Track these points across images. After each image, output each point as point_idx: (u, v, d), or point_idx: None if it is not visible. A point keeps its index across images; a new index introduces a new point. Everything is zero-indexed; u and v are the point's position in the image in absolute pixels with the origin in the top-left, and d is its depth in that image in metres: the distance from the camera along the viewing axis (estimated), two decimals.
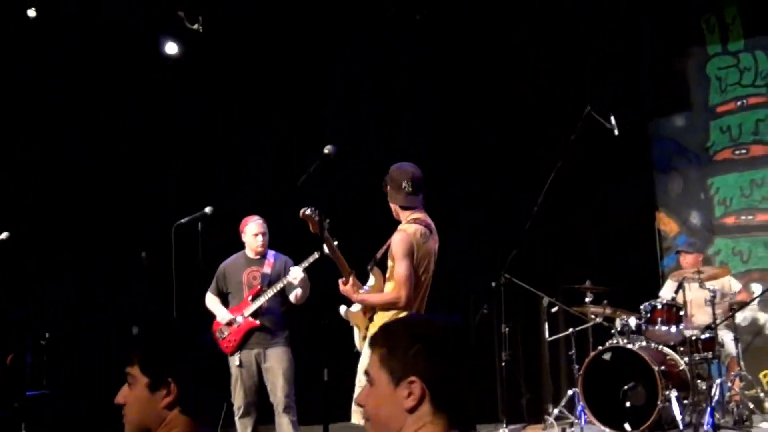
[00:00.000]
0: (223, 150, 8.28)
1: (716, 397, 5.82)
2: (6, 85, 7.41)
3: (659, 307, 6.23)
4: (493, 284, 6.49)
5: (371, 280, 4.35)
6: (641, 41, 7.68)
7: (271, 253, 5.84)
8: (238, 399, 5.66)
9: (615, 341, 6.20)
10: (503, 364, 6.62)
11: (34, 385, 6.70)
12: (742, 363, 6.24)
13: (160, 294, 6.03)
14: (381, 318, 4.18)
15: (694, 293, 6.36)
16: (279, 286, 5.62)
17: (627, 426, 5.83)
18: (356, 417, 4.00)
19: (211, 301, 5.86)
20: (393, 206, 4.31)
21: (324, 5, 7.65)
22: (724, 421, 5.82)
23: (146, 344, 2.28)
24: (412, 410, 1.79)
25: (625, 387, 5.89)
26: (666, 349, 6.15)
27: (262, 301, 5.65)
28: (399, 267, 4.10)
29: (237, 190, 7.87)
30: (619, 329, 6.26)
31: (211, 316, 5.80)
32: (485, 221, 7.76)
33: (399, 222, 4.28)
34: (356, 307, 4.37)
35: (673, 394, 5.76)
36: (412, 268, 4.11)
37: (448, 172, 7.53)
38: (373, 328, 4.16)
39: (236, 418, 5.66)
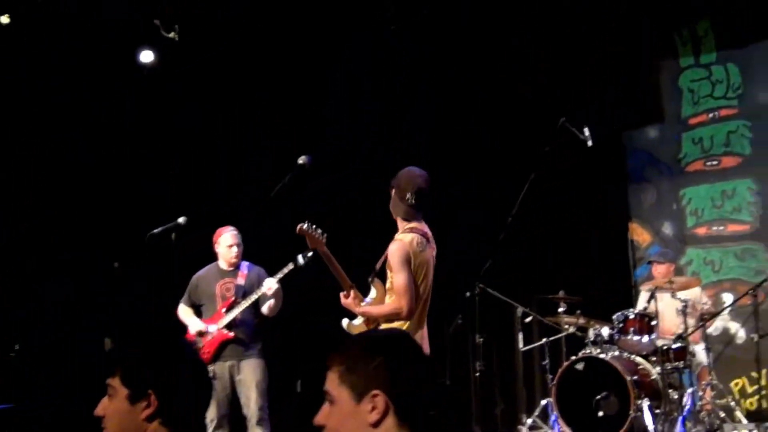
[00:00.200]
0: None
1: (688, 407, 5.87)
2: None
3: (631, 317, 6.27)
4: (468, 294, 6.50)
5: (373, 293, 4.30)
6: (617, 53, 7.75)
7: (244, 264, 5.81)
8: (211, 412, 5.59)
9: (588, 351, 6.23)
10: (477, 374, 6.63)
11: (2, 398, 6.62)
12: (713, 372, 6.30)
13: (133, 304, 6.00)
14: None
15: (666, 303, 6.42)
16: (253, 297, 5.60)
17: None
18: None
19: (184, 313, 5.82)
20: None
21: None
22: (695, 430, 5.86)
23: (127, 355, 2.25)
24: (376, 424, 1.80)
25: (598, 397, 5.92)
26: (638, 359, 6.19)
27: (236, 312, 5.63)
28: (397, 277, 4.07)
29: (213, 198, 7.84)
30: (592, 339, 6.29)
31: (184, 328, 5.76)
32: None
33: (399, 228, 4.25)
34: (358, 320, 4.31)
35: (646, 403, 5.80)
36: (412, 278, 4.07)
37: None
38: None
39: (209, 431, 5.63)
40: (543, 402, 6.50)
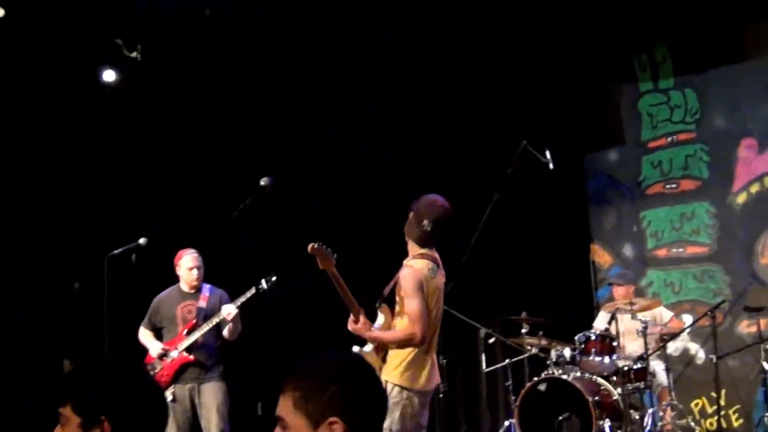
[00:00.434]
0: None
1: (648, 427, 5.93)
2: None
3: (593, 338, 6.34)
4: None
5: (380, 318, 4.20)
6: (579, 76, 7.84)
7: (206, 286, 5.76)
8: None
9: (550, 372, 6.27)
10: (441, 395, 6.61)
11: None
12: (673, 393, 6.36)
13: (92, 326, 5.89)
14: (395, 357, 4.04)
15: (627, 324, 6.48)
16: (215, 320, 5.55)
17: None
18: None
19: (144, 336, 5.75)
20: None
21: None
22: None
23: (79, 384, 2.22)
24: None
25: (560, 417, 5.95)
26: (600, 380, 6.24)
27: (197, 335, 5.57)
28: (411, 303, 3.98)
29: (176, 216, 7.75)
30: (554, 360, 6.34)
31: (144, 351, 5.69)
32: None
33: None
34: (369, 347, 4.16)
35: (607, 424, 5.84)
36: (425, 303, 4.01)
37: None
38: (387, 368, 4.02)
39: None
40: (506, 423, 6.51)
